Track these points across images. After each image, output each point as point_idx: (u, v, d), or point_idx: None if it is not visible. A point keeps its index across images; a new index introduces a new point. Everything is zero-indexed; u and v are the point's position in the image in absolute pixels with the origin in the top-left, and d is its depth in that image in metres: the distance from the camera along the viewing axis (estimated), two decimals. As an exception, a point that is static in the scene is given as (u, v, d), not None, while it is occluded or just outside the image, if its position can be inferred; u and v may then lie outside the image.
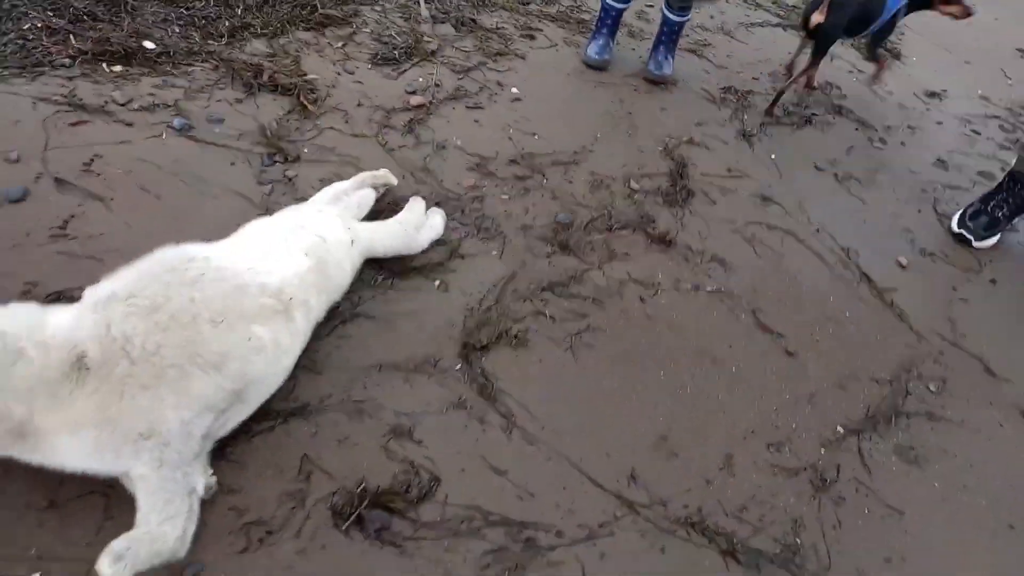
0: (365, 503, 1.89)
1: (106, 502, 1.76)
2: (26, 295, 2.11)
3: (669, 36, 3.95)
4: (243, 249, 2.01)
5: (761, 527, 2.12)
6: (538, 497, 2.04)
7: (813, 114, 4.16)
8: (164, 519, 1.62)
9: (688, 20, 3.92)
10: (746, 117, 3.95)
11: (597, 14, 3.97)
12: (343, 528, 1.85)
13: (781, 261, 3.07)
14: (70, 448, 1.59)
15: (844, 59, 4.87)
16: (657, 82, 3.94)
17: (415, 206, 2.67)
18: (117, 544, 1.59)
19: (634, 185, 3.24)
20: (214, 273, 1.83)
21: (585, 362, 2.44)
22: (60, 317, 1.67)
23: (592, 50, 3.93)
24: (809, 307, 2.89)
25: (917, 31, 5.49)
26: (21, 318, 1.63)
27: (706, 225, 3.14)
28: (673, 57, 4.01)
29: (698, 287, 2.83)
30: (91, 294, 1.76)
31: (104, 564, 1.57)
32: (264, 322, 1.85)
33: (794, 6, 5.42)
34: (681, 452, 2.26)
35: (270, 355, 1.86)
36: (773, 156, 3.72)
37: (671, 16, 3.86)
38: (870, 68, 4.71)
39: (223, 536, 1.77)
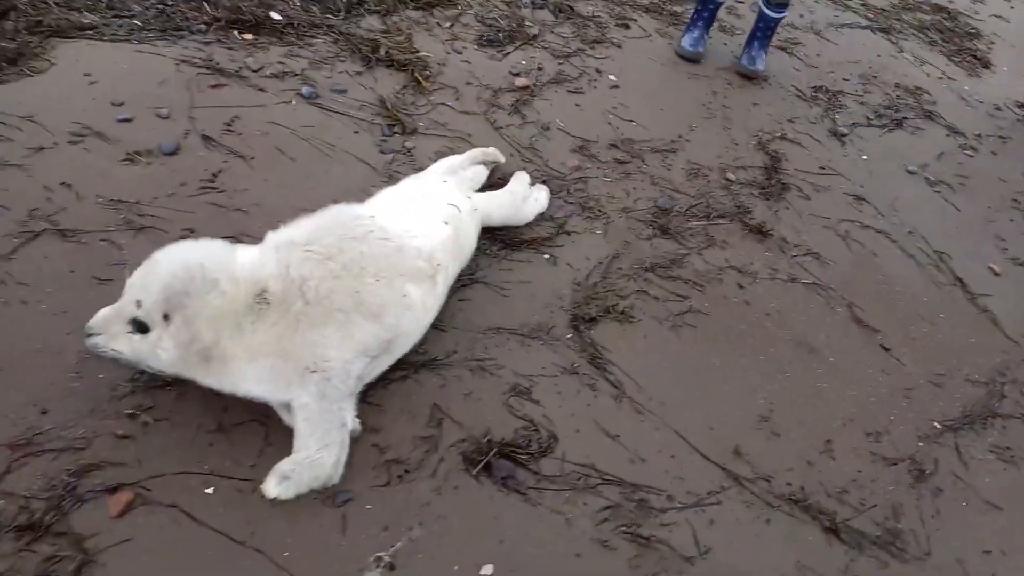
0: (493, 452, 2.01)
1: (266, 430, 1.91)
2: (185, 239, 2.26)
3: (764, 32, 3.98)
4: (395, 213, 2.14)
5: (862, 510, 2.19)
6: (649, 462, 2.15)
7: (904, 118, 4.16)
8: (322, 446, 1.76)
9: (785, 17, 3.95)
10: (837, 117, 3.97)
11: (694, 6, 4.03)
12: (473, 473, 1.98)
13: (874, 260, 3.11)
14: (248, 374, 1.74)
15: (934, 65, 4.84)
16: (749, 77, 3.98)
17: (521, 178, 2.79)
18: (283, 466, 1.74)
19: (730, 176, 3.30)
20: (379, 232, 1.97)
21: (688, 341, 2.53)
22: (245, 255, 1.83)
23: (687, 41, 3.96)
24: (903, 306, 2.93)
25: (1009, 41, 5.41)
26: (217, 253, 1.79)
27: (800, 219, 3.19)
28: (766, 53, 4.05)
29: (794, 278, 2.89)
30: (272, 238, 1.92)
31: (271, 484, 1.72)
32: (416, 283, 1.99)
33: (883, 9, 5.39)
34: (782, 433, 2.34)
35: (417, 313, 2.00)
36: (864, 156, 3.74)
37: (768, 12, 3.89)
38: (959, 74, 4.68)
39: (368, 470, 1.92)
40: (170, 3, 3.18)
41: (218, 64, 2.95)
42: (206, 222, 2.34)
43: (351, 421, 1.88)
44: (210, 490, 1.78)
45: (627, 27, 4.16)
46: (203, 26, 3.11)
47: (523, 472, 2.02)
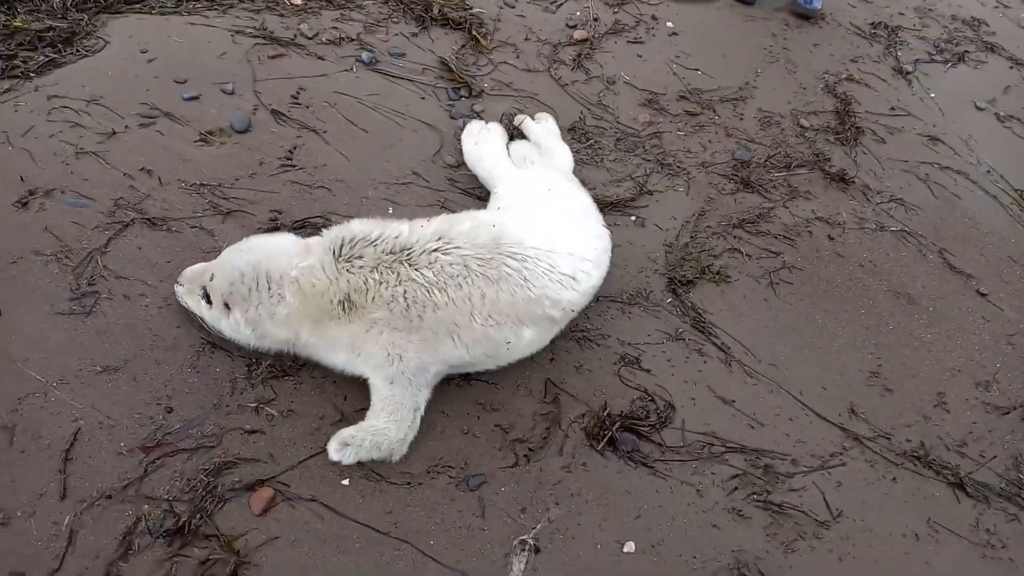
0: (616, 427, 1.97)
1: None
2: (274, 222, 2.19)
3: None
4: (559, 232, 1.98)
5: (983, 462, 2.16)
6: (768, 427, 2.11)
7: (965, 51, 4.00)
8: (389, 421, 1.75)
9: None
10: (899, 53, 3.82)
11: None
12: (598, 449, 1.94)
13: (958, 202, 3.02)
14: (327, 359, 1.82)
15: (989, -7, 4.64)
16: (807, 16, 3.81)
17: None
18: (345, 432, 1.74)
19: (803, 123, 3.19)
20: (521, 276, 1.83)
21: (787, 298, 2.47)
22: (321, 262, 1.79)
23: None
24: (992, 248, 2.86)
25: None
26: (294, 258, 1.79)
27: (879, 164, 3.09)
28: None
29: (882, 227, 2.81)
30: (384, 233, 1.83)
31: (332, 448, 1.73)
32: (535, 326, 1.89)
33: (928, -64, 5.15)
34: (894, 388, 2.29)
35: (521, 349, 1.92)
36: (932, 95, 3.61)
37: None
38: (1014, 1, 4.49)
39: (495, 451, 1.88)
40: (212, -30, 3.02)
41: (273, 33, 2.82)
42: (292, 201, 2.25)
43: (424, 403, 1.84)
44: (346, 481, 1.74)
45: (676, -31, 3.98)
46: (250, -8, 2.96)
47: (646, 444, 1.98)
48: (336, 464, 1.75)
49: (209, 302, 1.79)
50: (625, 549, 1.78)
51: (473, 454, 1.85)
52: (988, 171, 3.22)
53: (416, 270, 1.76)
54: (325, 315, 1.77)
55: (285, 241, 1.88)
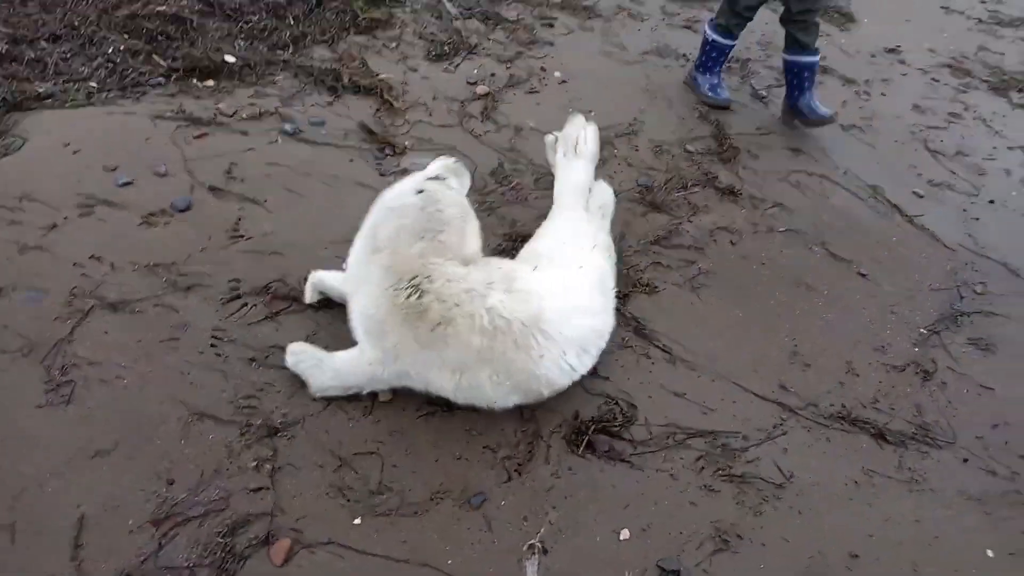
0: (591, 431, 2.16)
1: (381, 458, 1.96)
2: (235, 290, 2.26)
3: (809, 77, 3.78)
4: (582, 323, 2.12)
5: (894, 413, 2.51)
6: (717, 411, 2.36)
7: (804, 75, 4.62)
8: (335, 380, 1.99)
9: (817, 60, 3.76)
10: (753, 82, 4.37)
11: (704, 48, 3.89)
12: (579, 453, 2.11)
13: (827, 201, 3.49)
14: (358, 295, 2.03)
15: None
16: (821, 124, 3.80)
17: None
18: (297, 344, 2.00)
19: (689, 148, 3.59)
20: (539, 353, 1.97)
21: (708, 299, 2.78)
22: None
23: (705, 85, 3.91)
24: (862, 236, 3.32)
25: (862, -5, 6.09)
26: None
27: (758, 176, 3.52)
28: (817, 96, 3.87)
29: (772, 228, 3.21)
30: (467, 274, 1.98)
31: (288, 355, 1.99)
32: (524, 397, 2.07)
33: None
34: (811, 362, 2.63)
35: (499, 405, 2.07)
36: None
37: (801, 58, 3.70)
38: (833, 31, 5.25)
39: (488, 470, 2.01)
40: (117, 61, 3.07)
41: (192, 114, 2.89)
42: (248, 269, 2.33)
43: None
44: (357, 520, 1.82)
45: (551, 26, 4.38)
46: (161, 79, 3.03)
47: (619, 442, 2.18)
48: (345, 505, 1.82)
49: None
50: (622, 536, 1.95)
51: (469, 476, 1.98)
52: (845, 172, 3.74)
53: (481, 310, 1.90)
54: (392, 278, 1.92)
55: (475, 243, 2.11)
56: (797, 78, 3.75)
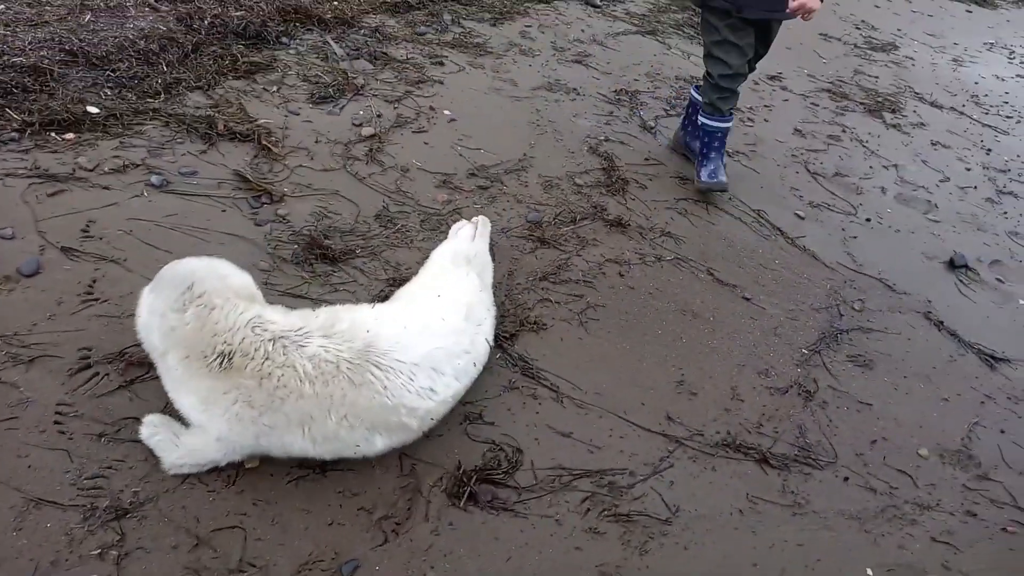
0: (473, 481, 2.10)
1: (244, 531, 1.84)
2: (85, 360, 2.11)
3: (718, 140, 3.68)
4: (424, 345, 2.03)
5: (778, 436, 2.56)
6: (604, 449, 2.35)
7: (692, 104, 4.77)
8: (184, 459, 1.90)
9: (729, 126, 3.67)
10: (642, 113, 4.48)
11: (701, 137, 3.69)
12: (461, 505, 2.05)
13: (713, 227, 3.58)
14: (175, 392, 1.92)
15: (696, 55, 5.58)
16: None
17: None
18: (161, 422, 1.92)
19: (578, 181, 3.63)
20: (381, 383, 1.89)
21: (597, 333, 2.78)
22: (246, 313, 1.92)
23: (704, 174, 3.64)
24: (747, 260, 3.41)
25: (746, 26, 6.37)
26: (226, 282, 1.95)
27: (646, 206, 3.59)
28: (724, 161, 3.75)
29: (659, 258, 3.26)
30: (285, 320, 1.94)
31: (144, 426, 1.91)
32: (389, 434, 1.97)
33: (643, 15, 6.11)
34: (698, 391, 2.65)
35: (368, 452, 1.98)
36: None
37: (709, 122, 3.60)
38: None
39: (362, 534, 1.92)
40: (-35, 115, 2.87)
41: (48, 170, 2.73)
42: (101, 336, 2.18)
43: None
44: (215, 603, 1.69)
45: (441, 64, 4.38)
46: (14, 134, 2.85)
47: (504, 490, 2.13)
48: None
49: None
50: (503, 592, 1.89)
51: (342, 542, 1.88)
52: (730, 198, 3.85)
53: (300, 359, 1.82)
54: (199, 356, 1.79)
55: (231, 270, 1.99)
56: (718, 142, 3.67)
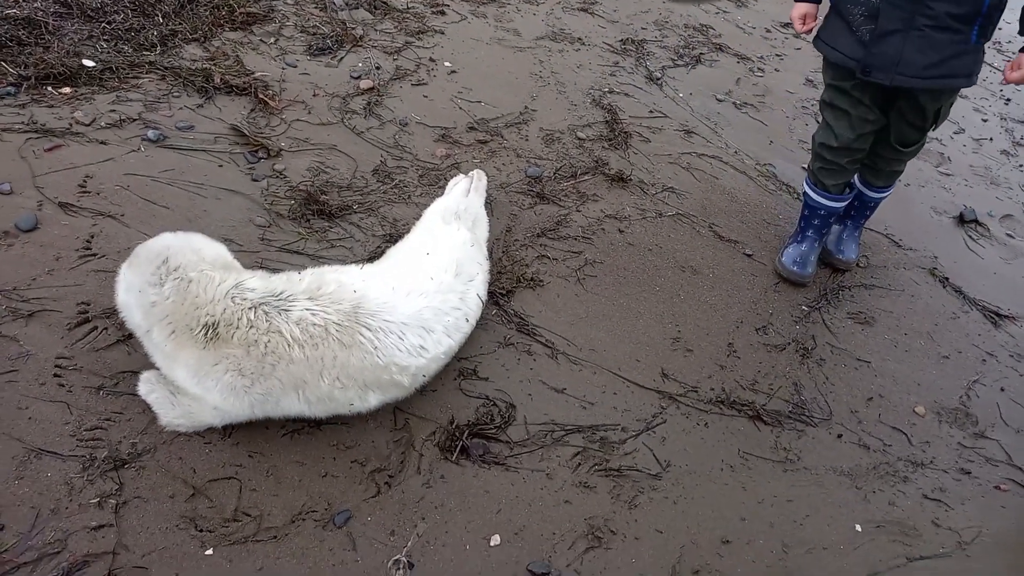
0: (465, 436, 2.13)
1: (239, 481, 1.89)
2: (83, 314, 2.13)
3: (860, 211, 3.13)
4: (412, 304, 2.04)
5: (772, 393, 2.56)
6: (597, 405, 2.36)
7: (700, 54, 4.66)
8: (182, 417, 1.93)
9: (886, 197, 3.09)
10: (648, 63, 4.37)
11: (801, 209, 3.06)
12: (453, 459, 2.08)
13: (717, 182, 3.53)
14: (166, 366, 1.91)
15: (709, 2, 5.42)
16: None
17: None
18: (156, 379, 1.94)
19: (580, 135, 3.57)
20: (372, 344, 1.90)
21: (594, 289, 2.77)
22: (228, 279, 1.91)
23: (788, 257, 3.01)
24: (750, 215, 3.37)
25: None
26: (196, 258, 1.92)
27: (648, 160, 3.53)
28: (858, 239, 3.21)
29: (660, 213, 3.22)
30: (265, 282, 1.94)
31: (142, 383, 1.95)
32: (382, 392, 1.99)
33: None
34: (694, 347, 2.65)
35: (362, 408, 1.99)
36: (680, 94, 4.18)
37: (868, 192, 3.03)
38: (730, 7, 5.30)
39: (355, 486, 1.96)
40: (-39, 69, 2.86)
41: (45, 125, 2.72)
42: (99, 290, 2.20)
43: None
44: (209, 551, 1.75)
45: (443, 13, 4.29)
46: (11, 88, 2.83)
47: (495, 445, 2.16)
48: (196, 536, 1.75)
49: None
50: (492, 543, 1.93)
51: (335, 494, 1.93)
52: (735, 152, 3.79)
53: (286, 324, 1.83)
54: (185, 330, 1.81)
55: (201, 241, 1.97)
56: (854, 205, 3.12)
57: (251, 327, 1.80)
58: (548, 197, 3.13)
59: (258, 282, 1.90)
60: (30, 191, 2.45)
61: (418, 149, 3.19)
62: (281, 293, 1.89)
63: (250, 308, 1.82)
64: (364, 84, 3.46)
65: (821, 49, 2.65)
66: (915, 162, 4.07)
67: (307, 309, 1.87)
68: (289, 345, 1.81)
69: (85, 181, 2.55)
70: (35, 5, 3.24)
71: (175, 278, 1.83)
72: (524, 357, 2.44)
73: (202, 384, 1.80)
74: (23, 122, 2.70)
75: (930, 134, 2.80)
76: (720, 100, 4.24)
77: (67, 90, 2.92)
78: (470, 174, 2.93)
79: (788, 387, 2.60)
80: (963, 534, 2.28)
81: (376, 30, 3.95)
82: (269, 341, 1.80)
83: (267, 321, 1.82)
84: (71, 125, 2.76)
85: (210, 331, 1.79)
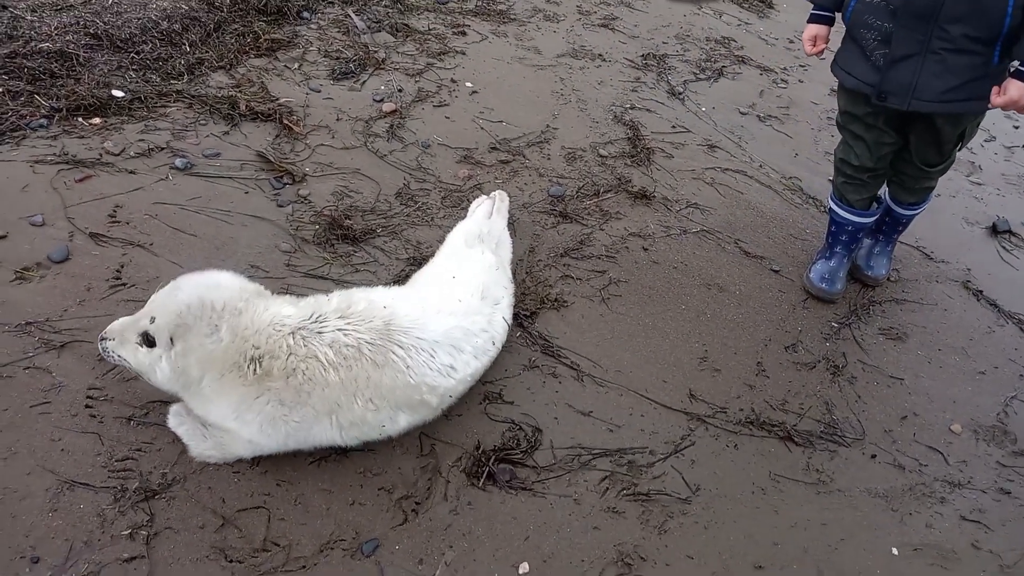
0: (492, 461, 2.11)
1: (268, 511, 1.90)
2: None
3: (891, 227, 3.06)
4: (443, 323, 2.06)
5: (803, 412, 2.51)
6: (624, 427, 2.34)
7: (722, 67, 4.63)
8: (213, 450, 1.94)
9: (918, 213, 3.00)
10: (670, 78, 4.36)
11: (828, 225, 3.01)
12: (480, 485, 2.07)
13: (742, 196, 3.49)
14: (203, 409, 1.92)
15: (729, 14, 5.39)
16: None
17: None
18: (185, 412, 1.94)
19: (602, 152, 3.57)
20: (404, 363, 1.91)
21: (619, 309, 2.75)
22: (264, 311, 1.91)
23: (816, 274, 2.95)
24: (776, 230, 3.33)
25: (782, -19, 6.12)
26: (233, 297, 1.87)
27: (672, 177, 3.51)
28: (890, 256, 3.14)
29: (685, 230, 3.20)
30: (302, 307, 1.96)
31: (171, 416, 1.96)
32: (412, 412, 2.00)
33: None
34: (721, 366, 2.62)
35: (392, 431, 2.01)
36: (703, 108, 4.15)
37: (899, 210, 2.95)
38: (752, 18, 5.27)
39: (383, 514, 1.96)
40: (-5, 103, 2.93)
41: (75, 156, 2.78)
42: (130, 320, 2.23)
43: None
44: (240, 581, 1.75)
45: (464, 34, 4.32)
46: (43, 120, 2.90)
47: (522, 470, 2.14)
48: (227, 567, 1.76)
49: (151, 345, 1.79)
50: (521, 570, 1.91)
51: (362, 522, 1.92)
52: (760, 165, 3.75)
53: (321, 347, 1.84)
54: (233, 367, 1.80)
55: (219, 276, 1.93)
56: (886, 221, 3.05)
57: (290, 354, 1.82)
58: (571, 216, 3.12)
59: (291, 308, 1.91)
60: (62, 222, 2.50)
61: (440, 171, 3.20)
62: (312, 315, 1.90)
63: (289, 334, 1.84)
64: (387, 107, 3.49)
65: (837, 75, 2.62)
66: (945, 172, 4.00)
67: (339, 329, 1.88)
68: (325, 369, 1.82)
69: (115, 211, 2.60)
70: (67, 38, 3.33)
71: (227, 318, 1.80)
72: (549, 380, 2.43)
73: (241, 418, 1.82)
74: (55, 153, 2.76)
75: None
76: (743, 113, 4.20)
77: (97, 120, 2.98)
78: (492, 195, 2.94)
79: (819, 406, 2.55)
80: (1004, 556, 2.21)
81: (398, 52, 3.99)
82: (307, 368, 1.82)
83: (305, 346, 1.83)
84: (101, 155, 2.82)
85: (257, 366, 1.80)
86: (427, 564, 1.88)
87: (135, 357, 1.83)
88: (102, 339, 1.87)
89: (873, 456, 2.42)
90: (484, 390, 2.33)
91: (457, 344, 2.08)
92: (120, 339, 1.84)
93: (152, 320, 1.80)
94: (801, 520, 2.19)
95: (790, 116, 4.28)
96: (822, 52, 2.69)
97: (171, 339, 1.78)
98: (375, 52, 3.90)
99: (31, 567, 1.68)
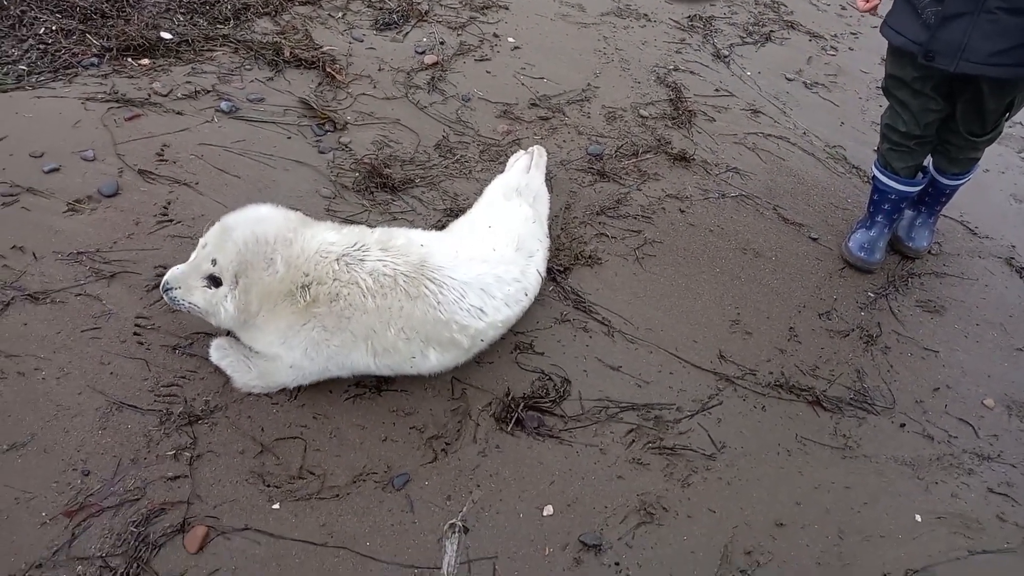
0: (520, 408, 2.16)
1: (304, 442, 1.97)
2: (160, 277, 2.23)
3: (934, 198, 2.98)
4: (474, 269, 2.10)
5: (833, 379, 2.51)
6: (653, 384, 2.36)
7: (771, 31, 4.52)
8: (257, 379, 2.00)
9: (964, 183, 2.92)
10: (716, 40, 4.27)
11: (871, 193, 2.95)
12: (508, 430, 2.12)
13: (783, 163, 3.44)
14: (252, 337, 2.00)
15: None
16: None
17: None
18: (228, 344, 2.02)
19: (643, 113, 3.53)
20: (435, 298, 1.97)
21: (652, 269, 2.75)
22: (312, 238, 1.97)
23: (855, 243, 2.90)
24: (817, 198, 3.28)
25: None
26: (283, 230, 1.93)
27: (713, 140, 3.47)
28: (933, 228, 3.08)
29: (723, 194, 3.17)
30: (346, 235, 2.02)
31: (214, 349, 2.02)
32: (442, 350, 2.04)
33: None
34: (753, 330, 2.61)
35: (422, 366, 2.06)
36: (748, 72, 4.07)
37: (943, 180, 2.88)
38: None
39: (413, 451, 2.02)
40: (50, 41, 3.00)
41: (125, 95, 2.84)
42: (175, 255, 2.30)
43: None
44: (276, 506, 1.83)
45: (507, -13, 4.26)
46: (95, 59, 2.96)
47: (550, 418, 2.18)
48: (264, 491, 1.84)
49: (217, 285, 1.86)
50: (545, 512, 1.96)
51: (394, 457, 1.99)
52: (804, 133, 3.68)
53: (362, 274, 1.90)
54: (285, 296, 1.87)
55: (261, 210, 1.98)
56: (928, 192, 2.98)
57: (335, 279, 1.87)
58: (609, 175, 3.11)
59: (335, 234, 1.96)
60: (111, 158, 2.57)
61: (480, 125, 3.20)
62: (356, 243, 1.96)
63: (335, 260, 1.90)
64: (428, 59, 3.49)
65: (886, 34, 2.54)
66: (994, 147, 3.88)
67: (379, 259, 1.94)
68: (364, 296, 1.88)
69: (163, 150, 2.65)
70: (117, -21, 3.36)
71: (280, 249, 1.86)
72: (580, 334, 2.45)
73: (287, 344, 1.88)
74: (105, 92, 2.82)
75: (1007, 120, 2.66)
76: (790, 79, 4.11)
77: (146, 61, 3.04)
78: (530, 150, 2.94)
79: (850, 374, 2.54)
80: (1030, 532, 2.21)
81: (441, 5, 3.96)
82: (348, 293, 1.88)
83: (348, 272, 1.90)
84: (149, 96, 2.87)
85: (307, 293, 1.86)
86: (455, 500, 1.94)
87: (204, 300, 1.88)
88: (167, 289, 1.91)
89: (902, 425, 2.42)
90: (516, 340, 2.36)
91: (488, 289, 2.12)
92: (186, 287, 1.89)
93: (214, 262, 1.86)
94: (825, 482, 2.20)
95: (838, 84, 4.18)
96: (875, 8, 2.62)
97: (235, 277, 1.84)
98: (418, 4, 3.88)
99: (83, 479, 1.77)
